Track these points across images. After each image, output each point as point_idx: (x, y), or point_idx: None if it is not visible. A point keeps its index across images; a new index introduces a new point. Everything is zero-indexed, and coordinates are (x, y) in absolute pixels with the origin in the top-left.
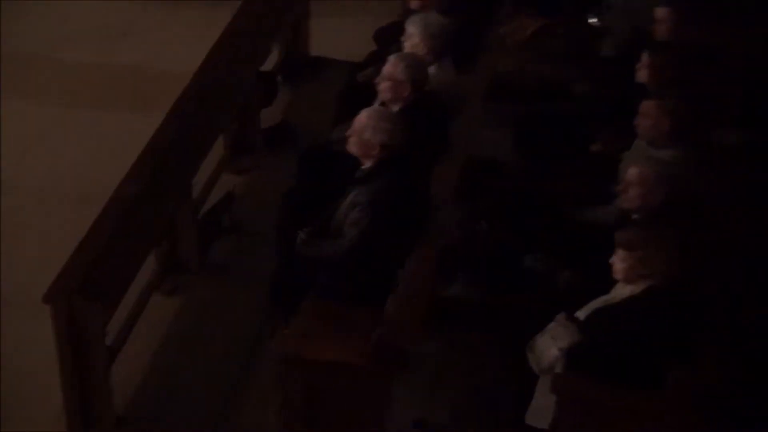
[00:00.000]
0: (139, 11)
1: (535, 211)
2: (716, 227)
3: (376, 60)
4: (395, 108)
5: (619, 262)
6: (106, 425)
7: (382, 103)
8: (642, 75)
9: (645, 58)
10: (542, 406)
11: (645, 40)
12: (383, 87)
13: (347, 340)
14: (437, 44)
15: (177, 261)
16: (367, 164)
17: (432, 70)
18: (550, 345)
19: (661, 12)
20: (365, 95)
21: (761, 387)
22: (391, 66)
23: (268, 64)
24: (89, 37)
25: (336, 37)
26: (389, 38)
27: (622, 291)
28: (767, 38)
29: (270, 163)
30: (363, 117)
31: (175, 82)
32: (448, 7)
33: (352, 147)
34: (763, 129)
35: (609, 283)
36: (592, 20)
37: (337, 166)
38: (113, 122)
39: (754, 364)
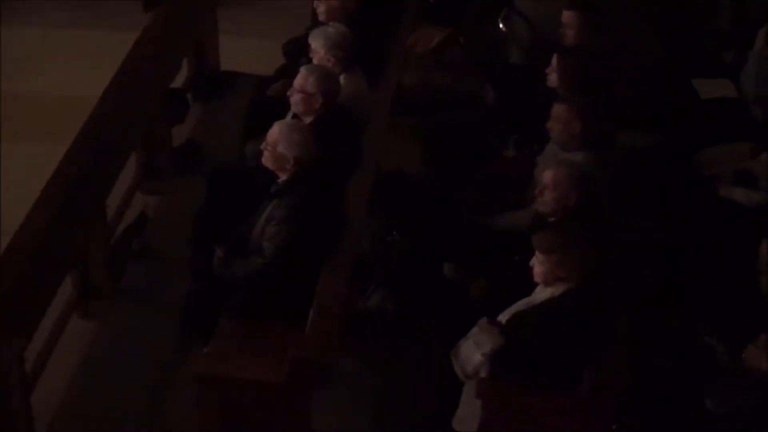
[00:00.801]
0: (39, 39)
1: (449, 220)
2: (625, 229)
3: (286, 73)
4: (307, 120)
5: (537, 265)
6: None
7: (295, 116)
8: (552, 79)
9: (554, 62)
10: (469, 412)
11: (551, 45)
12: (295, 100)
13: (264, 358)
14: (342, 54)
15: (91, 286)
16: (283, 178)
17: (341, 80)
18: (474, 351)
19: (567, 16)
20: (276, 109)
21: (669, 385)
22: (302, 78)
23: (179, 81)
24: None
25: (245, 52)
26: (298, 51)
27: (542, 294)
28: (668, 40)
29: (179, 184)
30: (275, 130)
31: (79, 108)
32: (354, 19)
33: (267, 161)
34: (666, 131)
35: (525, 288)
36: (501, 26)
37: (249, 181)
38: (18, 152)
39: (661, 364)
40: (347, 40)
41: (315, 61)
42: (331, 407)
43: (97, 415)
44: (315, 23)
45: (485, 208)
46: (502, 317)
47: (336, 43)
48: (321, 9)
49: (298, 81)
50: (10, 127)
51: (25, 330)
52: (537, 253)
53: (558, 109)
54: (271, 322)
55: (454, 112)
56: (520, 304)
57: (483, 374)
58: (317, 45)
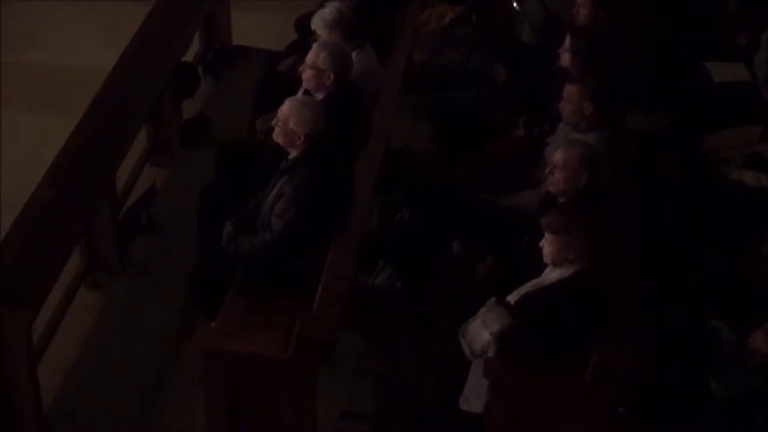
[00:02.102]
0: (47, 10)
1: (456, 199)
2: (632, 211)
3: (298, 49)
4: (319, 96)
5: (546, 245)
6: (30, 427)
7: (306, 92)
8: (565, 59)
9: (567, 42)
10: (476, 392)
11: (564, 25)
12: (306, 76)
13: (270, 334)
14: (344, 30)
15: (98, 258)
16: (293, 154)
17: (353, 56)
18: (482, 330)
19: None
20: (286, 85)
21: (674, 367)
22: (314, 55)
23: (190, 55)
24: (3, 39)
25: (257, 27)
26: (310, 27)
27: (551, 275)
28: (678, 21)
29: (187, 158)
30: (287, 107)
31: (87, 80)
32: None
33: (278, 137)
34: (676, 113)
35: (533, 269)
36: (515, 5)
37: (258, 156)
38: (23, 122)
39: (667, 345)
40: (344, 15)
41: None
42: (334, 386)
43: (102, 387)
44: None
45: (493, 186)
46: (511, 298)
47: (333, 22)
48: None
49: (309, 57)
50: (16, 98)
51: (33, 303)
52: (546, 233)
53: (570, 90)
54: (277, 298)
55: (463, 90)
56: (529, 285)
57: (490, 354)
58: (318, 29)
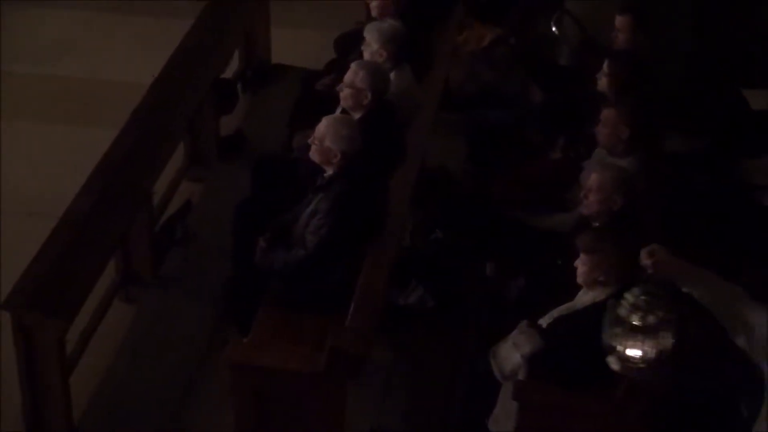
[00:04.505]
0: (84, 24)
1: (490, 219)
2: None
3: (336, 68)
4: (356, 116)
5: (580, 265)
6: None
7: (344, 111)
8: (602, 83)
9: (606, 66)
10: (505, 413)
11: (601, 48)
12: (344, 95)
13: (302, 348)
14: (394, 48)
15: (133, 271)
16: (329, 172)
17: (391, 76)
18: (513, 352)
19: (620, 21)
20: (323, 103)
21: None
22: (352, 74)
23: (229, 72)
24: (36, 50)
25: (296, 45)
26: (349, 46)
27: (584, 298)
28: (716, 47)
29: (223, 173)
30: (323, 125)
31: (123, 93)
32: (405, 16)
33: (314, 155)
34: (712, 137)
35: (565, 291)
36: (553, 28)
37: (293, 172)
38: (62, 135)
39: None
40: (400, 34)
41: (367, 54)
42: (364, 401)
43: (133, 398)
44: (368, 19)
45: (527, 207)
46: (543, 321)
47: (389, 38)
48: (374, 4)
49: (348, 76)
50: (55, 110)
51: (67, 313)
52: (580, 253)
53: (607, 114)
54: (309, 312)
55: (499, 110)
56: (562, 309)
57: (521, 376)
58: (371, 38)
